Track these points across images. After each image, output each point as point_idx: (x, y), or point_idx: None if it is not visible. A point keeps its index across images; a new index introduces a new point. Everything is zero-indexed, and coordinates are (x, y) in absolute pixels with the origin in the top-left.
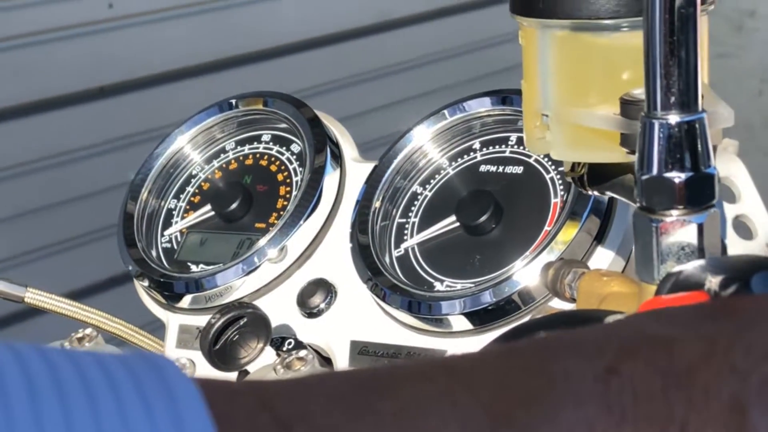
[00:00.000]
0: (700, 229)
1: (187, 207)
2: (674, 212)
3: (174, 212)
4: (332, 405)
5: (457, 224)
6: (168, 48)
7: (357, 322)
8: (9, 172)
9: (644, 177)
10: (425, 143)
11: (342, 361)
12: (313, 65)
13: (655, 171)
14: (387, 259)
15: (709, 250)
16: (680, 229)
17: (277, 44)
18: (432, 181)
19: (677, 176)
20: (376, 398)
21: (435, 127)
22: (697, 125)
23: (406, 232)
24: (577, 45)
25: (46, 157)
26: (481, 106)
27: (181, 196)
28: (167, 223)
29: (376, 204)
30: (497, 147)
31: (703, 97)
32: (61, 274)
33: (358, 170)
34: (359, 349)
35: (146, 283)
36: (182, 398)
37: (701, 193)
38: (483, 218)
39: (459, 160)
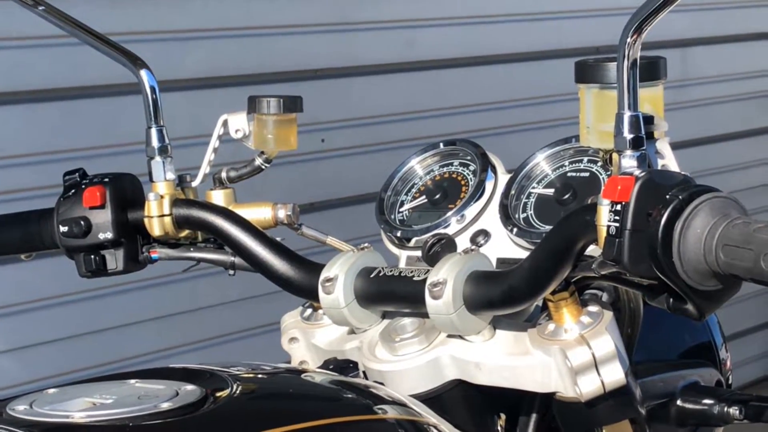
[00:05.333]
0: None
1: (411, 199)
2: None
3: (405, 201)
4: None
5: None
6: None
7: (501, 249)
8: None
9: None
10: (541, 161)
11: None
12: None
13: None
14: (516, 216)
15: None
16: None
17: None
18: (542, 181)
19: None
20: None
21: (550, 152)
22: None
23: (528, 205)
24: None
25: None
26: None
27: (410, 192)
28: (401, 205)
29: (512, 192)
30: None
31: (653, 117)
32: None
33: (504, 178)
34: (501, 262)
35: (390, 234)
36: None
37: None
38: (566, 196)
39: (555, 172)
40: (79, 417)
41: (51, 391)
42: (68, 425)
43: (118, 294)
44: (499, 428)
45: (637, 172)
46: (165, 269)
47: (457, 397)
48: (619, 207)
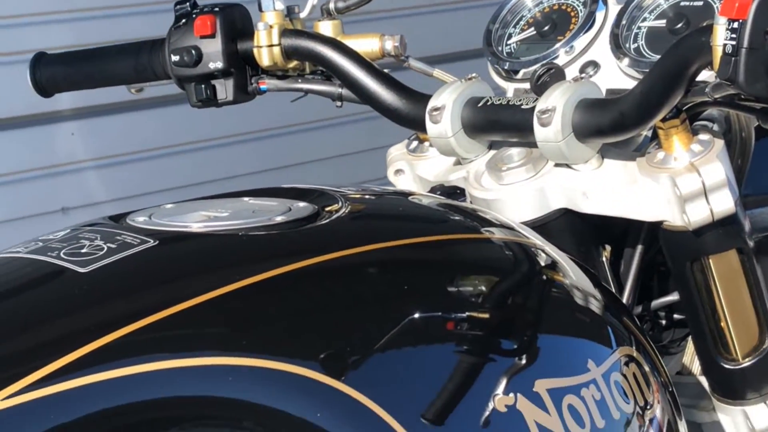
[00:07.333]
0: None
1: (519, 31)
2: None
3: (513, 33)
4: None
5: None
6: None
7: (610, 80)
8: None
9: None
10: None
11: None
12: None
13: None
14: (627, 46)
15: None
16: None
17: None
18: (654, 11)
19: None
20: None
21: None
22: None
23: (639, 35)
24: None
25: None
26: None
27: (518, 24)
28: (509, 38)
29: (623, 23)
30: None
31: None
32: None
33: (615, 8)
34: (610, 92)
35: (497, 66)
36: None
37: None
38: (679, 25)
39: (667, 1)
40: (196, 227)
41: (168, 206)
42: (186, 234)
43: (221, 147)
44: (603, 259)
45: None
46: (264, 124)
47: (563, 226)
48: (736, 25)
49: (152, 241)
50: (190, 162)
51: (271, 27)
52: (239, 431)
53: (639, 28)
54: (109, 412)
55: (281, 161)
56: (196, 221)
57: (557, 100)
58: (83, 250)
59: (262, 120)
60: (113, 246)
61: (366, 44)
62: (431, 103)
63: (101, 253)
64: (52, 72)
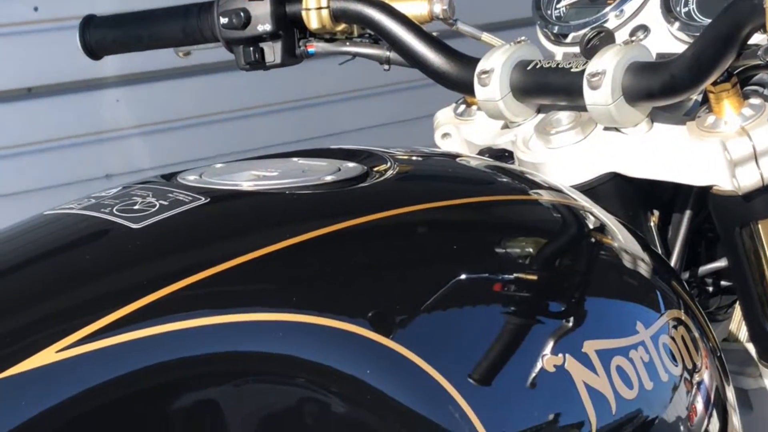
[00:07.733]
0: None
1: None
2: None
3: None
4: None
5: None
6: None
7: (660, 44)
8: None
9: None
10: None
11: None
12: None
13: None
14: (678, 9)
15: None
16: None
17: None
18: None
19: None
20: None
21: None
22: None
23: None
24: None
25: None
26: None
27: None
28: (558, 2)
29: None
30: None
31: None
32: None
33: None
34: (660, 57)
35: (546, 30)
36: None
37: None
38: None
39: None
40: (246, 186)
41: (218, 165)
42: (237, 192)
43: (265, 115)
44: (651, 224)
45: None
46: (310, 92)
47: (611, 190)
48: None
49: (203, 198)
50: (233, 130)
51: None
52: (290, 386)
53: None
54: (161, 366)
55: (326, 129)
56: (247, 180)
57: (607, 63)
58: (136, 207)
59: (308, 87)
60: (165, 203)
61: (414, 7)
62: (480, 66)
63: (153, 209)
64: (102, 34)
